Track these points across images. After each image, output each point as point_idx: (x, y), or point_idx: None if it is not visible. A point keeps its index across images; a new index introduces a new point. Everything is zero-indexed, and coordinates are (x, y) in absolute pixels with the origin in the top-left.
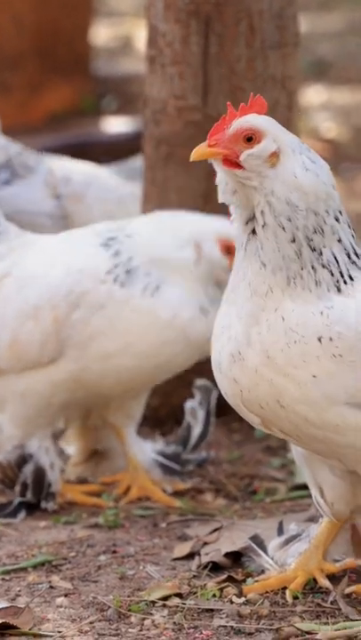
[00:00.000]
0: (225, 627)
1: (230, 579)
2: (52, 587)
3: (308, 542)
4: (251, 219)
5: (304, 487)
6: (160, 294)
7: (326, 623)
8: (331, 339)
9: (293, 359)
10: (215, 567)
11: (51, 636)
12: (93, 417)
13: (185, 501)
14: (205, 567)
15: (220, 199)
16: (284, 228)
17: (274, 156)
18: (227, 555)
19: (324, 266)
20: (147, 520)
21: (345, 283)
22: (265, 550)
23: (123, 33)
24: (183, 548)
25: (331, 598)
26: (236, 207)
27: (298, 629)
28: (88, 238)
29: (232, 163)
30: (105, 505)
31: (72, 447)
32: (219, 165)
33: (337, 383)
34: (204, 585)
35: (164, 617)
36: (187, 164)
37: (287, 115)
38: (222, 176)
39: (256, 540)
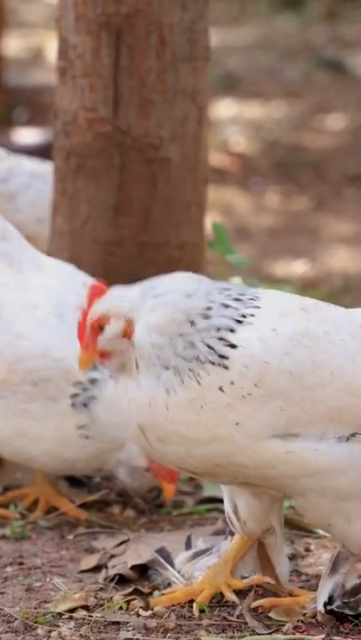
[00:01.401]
0: (131, 639)
1: (137, 592)
2: None
3: (218, 557)
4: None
5: (211, 500)
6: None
7: (233, 637)
8: (232, 382)
9: (210, 422)
10: (122, 580)
11: None
12: None
13: (92, 513)
14: (112, 580)
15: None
16: (156, 366)
17: (128, 325)
18: (133, 567)
19: (197, 358)
20: (54, 532)
21: (230, 347)
22: (172, 564)
23: (34, 44)
24: (90, 561)
25: (237, 612)
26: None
27: None
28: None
29: (104, 355)
30: (12, 516)
31: None
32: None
33: (257, 422)
34: (111, 597)
35: (70, 629)
36: (97, 176)
37: (197, 128)
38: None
39: (163, 553)
